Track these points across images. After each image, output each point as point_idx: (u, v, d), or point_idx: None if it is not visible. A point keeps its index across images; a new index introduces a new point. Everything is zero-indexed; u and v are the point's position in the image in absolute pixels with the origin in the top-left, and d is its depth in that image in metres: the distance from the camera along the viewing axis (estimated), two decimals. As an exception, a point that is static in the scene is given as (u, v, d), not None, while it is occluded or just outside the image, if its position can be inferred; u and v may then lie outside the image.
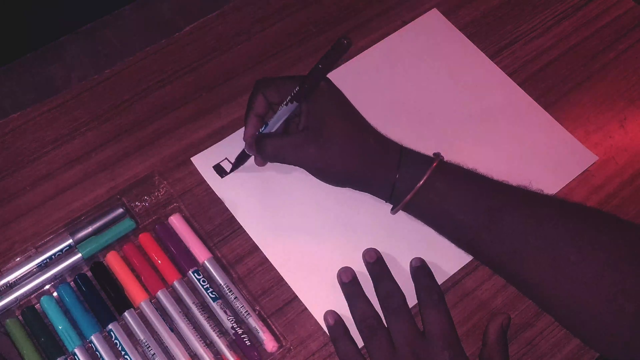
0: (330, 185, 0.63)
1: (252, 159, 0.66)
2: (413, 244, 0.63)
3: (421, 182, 0.58)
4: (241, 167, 0.66)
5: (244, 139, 0.64)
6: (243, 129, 0.68)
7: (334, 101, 0.60)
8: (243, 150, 0.65)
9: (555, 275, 0.55)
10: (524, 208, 0.58)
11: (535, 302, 0.60)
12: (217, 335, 0.57)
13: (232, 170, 0.66)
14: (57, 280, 0.59)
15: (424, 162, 0.59)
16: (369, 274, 0.61)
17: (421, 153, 0.60)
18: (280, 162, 0.63)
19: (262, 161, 0.66)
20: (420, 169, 0.58)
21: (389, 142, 0.61)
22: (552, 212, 0.58)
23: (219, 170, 0.66)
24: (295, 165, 0.63)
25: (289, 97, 0.59)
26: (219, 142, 0.68)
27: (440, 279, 0.61)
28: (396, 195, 0.60)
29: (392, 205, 0.62)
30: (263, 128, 0.63)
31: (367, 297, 0.59)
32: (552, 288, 0.56)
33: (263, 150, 0.62)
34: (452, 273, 0.62)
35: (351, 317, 0.59)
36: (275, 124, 0.62)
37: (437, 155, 0.60)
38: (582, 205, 0.62)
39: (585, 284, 0.54)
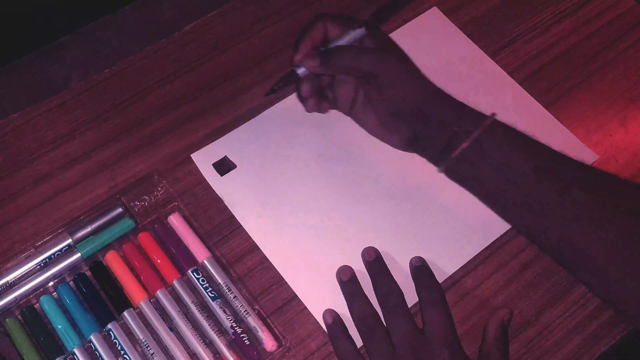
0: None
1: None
2: (413, 243, 0.63)
3: (480, 130, 0.57)
4: (240, 166, 0.66)
5: (297, 61, 0.61)
6: (243, 126, 0.68)
7: (398, 51, 0.62)
8: (292, 71, 0.61)
9: (603, 238, 0.54)
10: (577, 166, 0.57)
11: (570, 268, 0.59)
12: (217, 335, 0.57)
13: (267, 94, 0.64)
14: (57, 280, 0.59)
15: (481, 116, 0.59)
16: (368, 273, 0.61)
17: (477, 110, 0.60)
18: (353, 72, 0.61)
19: (316, 104, 0.64)
20: (478, 121, 0.58)
21: (447, 95, 0.61)
22: (608, 178, 0.58)
23: (219, 167, 0.66)
24: (368, 77, 0.60)
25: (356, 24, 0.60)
26: (220, 139, 0.68)
27: (440, 279, 0.61)
28: (453, 143, 0.59)
29: (438, 165, 0.61)
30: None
31: (366, 296, 0.59)
32: (598, 252, 0.54)
33: (338, 55, 0.59)
34: (452, 272, 0.62)
35: (350, 316, 0.59)
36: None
37: (493, 114, 0.59)
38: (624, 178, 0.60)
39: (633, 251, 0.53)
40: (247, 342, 0.57)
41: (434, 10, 0.77)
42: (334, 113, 0.68)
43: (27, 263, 0.59)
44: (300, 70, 0.61)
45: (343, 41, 0.60)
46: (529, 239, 0.62)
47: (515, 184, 0.57)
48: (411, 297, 0.59)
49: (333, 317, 0.58)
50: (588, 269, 0.57)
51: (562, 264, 0.61)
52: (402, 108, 0.61)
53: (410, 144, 0.63)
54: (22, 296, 0.58)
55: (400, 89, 0.60)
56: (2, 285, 0.58)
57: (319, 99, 0.65)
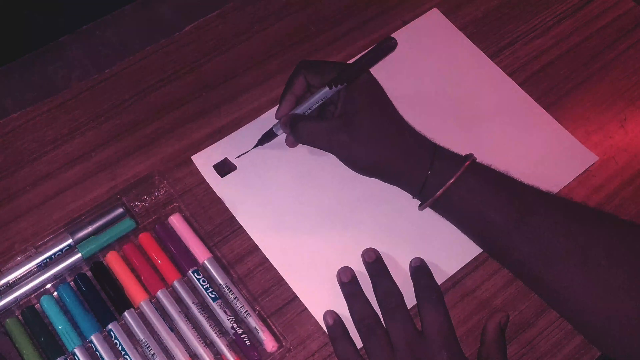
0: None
1: (277, 140, 0.67)
2: (413, 244, 0.63)
3: (453, 179, 0.58)
4: (240, 167, 0.66)
5: (278, 117, 0.65)
6: (243, 128, 0.68)
7: (371, 93, 0.62)
8: (270, 129, 0.66)
9: (584, 278, 0.55)
10: (554, 210, 0.58)
11: (559, 308, 0.59)
12: (217, 335, 0.57)
13: (255, 147, 0.67)
14: (57, 280, 0.59)
15: (456, 160, 0.60)
16: (368, 274, 0.61)
17: (454, 152, 0.61)
18: (312, 146, 0.64)
19: (293, 142, 0.67)
20: (452, 167, 0.59)
21: (423, 139, 0.62)
22: (583, 216, 0.58)
23: (220, 168, 0.66)
24: (326, 150, 0.63)
25: (331, 80, 0.60)
26: (220, 141, 0.68)
27: (440, 279, 0.61)
28: (426, 191, 0.60)
29: (420, 202, 0.62)
30: (296, 108, 0.64)
31: (366, 297, 0.59)
32: (579, 291, 0.55)
33: (298, 132, 0.63)
34: (452, 273, 0.62)
35: (350, 317, 0.59)
36: (310, 106, 0.63)
37: (469, 155, 0.60)
38: (613, 215, 0.61)
39: (615, 289, 0.54)
40: (248, 343, 0.57)
41: (434, 12, 0.77)
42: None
43: (28, 263, 0.59)
44: (279, 131, 0.66)
45: (317, 96, 0.62)
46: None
47: (491, 226, 0.59)
48: (411, 298, 0.59)
49: (333, 318, 0.59)
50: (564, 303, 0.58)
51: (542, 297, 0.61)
52: (360, 159, 0.62)
53: (379, 177, 0.64)
54: (22, 296, 0.58)
55: (357, 162, 0.62)
56: (3, 285, 0.58)
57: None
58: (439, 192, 0.59)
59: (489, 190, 0.59)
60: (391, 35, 0.60)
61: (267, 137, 0.67)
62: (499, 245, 0.60)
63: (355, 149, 0.61)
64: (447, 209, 0.61)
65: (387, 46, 0.60)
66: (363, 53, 0.62)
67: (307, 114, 0.64)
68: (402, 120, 0.62)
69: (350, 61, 0.64)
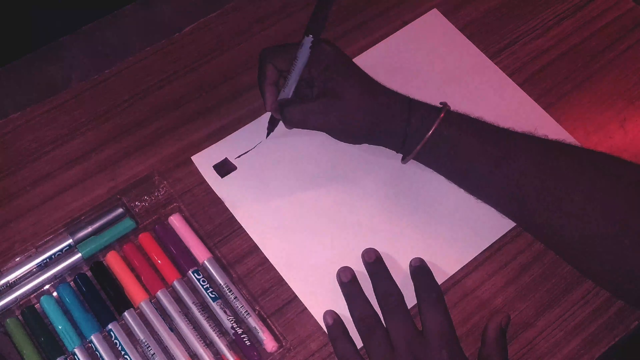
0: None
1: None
2: (413, 244, 0.63)
3: (430, 132, 0.60)
4: (240, 168, 0.66)
5: (268, 109, 0.66)
6: (243, 128, 0.68)
7: (341, 63, 0.64)
8: (272, 116, 0.67)
9: (560, 215, 0.57)
10: (529, 152, 0.60)
11: (546, 244, 0.62)
12: (217, 335, 0.57)
13: (267, 136, 0.68)
14: (57, 280, 0.59)
15: (432, 112, 0.61)
16: (368, 274, 0.61)
17: (429, 104, 0.63)
18: (303, 128, 0.65)
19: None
20: (429, 119, 0.61)
21: (398, 95, 0.64)
22: (558, 153, 0.60)
23: (220, 169, 0.66)
24: (318, 130, 0.65)
25: (304, 37, 0.62)
26: (220, 141, 0.68)
27: (440, 279, 0.61)
28: (407, 144, 0.62)
29: (402, 156, 0.64)
30: (281, 93, 0.64)
31: (366, 296, 0.59)
32: (558, 228, 0.58)
33: (288, 118, 0.64)
34: (452, 273, 0.62)
35: (350, 317, 0.59)
36: (291, 87, 0.64)
37: (444, 104, 0.62)
38: (588, 150, 0.63)
39: (589, 223, 0.56)
40: (248, 343, 0.57)
41: (434, 12, 0.77)
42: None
43: (28, 263, 0.59)
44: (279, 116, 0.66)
45: (293, 74, 0.63)
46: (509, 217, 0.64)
47: (471, 173, 0.61)
48: (411, 298, 0.59)
49: (333, 318, 0.59)
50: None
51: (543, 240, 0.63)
52: (350, 131, 0.64)
53: (367, 142, 0.66)
54: (22, 296, 0.58)
55: (348, 132, 0.65)
56: (3, 285, 0.58)
57: None
58: (418, 147, 0.61)
59: (467, 137, 0.61)
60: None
61: (272, 124, 0.67)
62: (479, 188, 0.63)
63: (345, 122, 0.63)
64: (429, 160, 0.64)
65: None
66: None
67: (293, 91, 0.64)
68: (374, 81, 0.64)
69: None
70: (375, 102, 0.62)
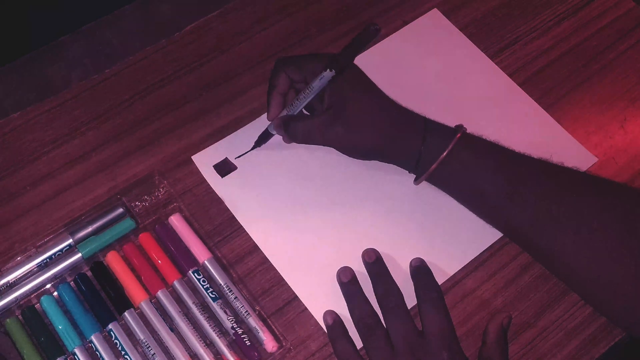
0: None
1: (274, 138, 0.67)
2: (413, 244, 0.63)
3: (445, 153, 0.59)
4: (240, 167, 0.66)
5: (270, 119, 0.65)
6: (243, 128, 0.68)
7: (355, 79, 0.62)
8: (266, 130, 0.66)
9: (576, 243, 0.56)
10: (545, 178, 0.59)
11: (556, 274, 0.61)
12: (217, 335, 0.57)
13: (252, 149, 0.67)
14: (57, 280, 0.59)
15: (448, 133, 0.60)
16: (368, 274, 0.61)
17: (445, 124, 0.62)
18: (308, 143, 0.64)
19: (290, 140, 0.67)
20: (444, 140, 0.60)
21: (413, 115, 0.62)
22: (573, 182, 0.59)
23: (220, 168, 0.66)
24: (323, 145, 0.64)
25: (321, 74, 0.61)
26: (220, 141, 0.68)
27: (440, 279, 0.61)
28: (421, 165, 0.61)
29: (415, 176, 0.63)
30: (287, 109, 0.64)
31: (365, 296, 0.59)
32: (572, 257, 0.57)
33: (292, 133, 0.63)
34: (452, 273, 0.62)
35: (350, 317, 0.59)
36: (297, 108, 0.63)
37: (459, 126, 0.61)
38: (603, 178, 0.62)
39: (607, 253, 0.55)
40: (248, 343, 0.57)
41: (434, 12, 0.77)
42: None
43: (28, 263, 0.59)
44: (274, 131, 0.66)
45: (306, 93, 0.62)
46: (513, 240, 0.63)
47: (485, 197, 0.60)
48: (411, 298, 0.59)
49: (333, 318, 0.59)
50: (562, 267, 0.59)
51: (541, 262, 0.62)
52: (359, 147, 0.63)
53: (377, 159, 0.65)
54: (22, 296, 0.58)
55: (355, 149, 0.63)
56: (3, 285, 0.58)
57: None
58: (432, 167, 0.60)
59: (481, 162, 0.60)
60: (373, 23, 0.61)
61: (264, 137, 0.67)
62: (492, 215, 0.62)
63: (351, 138, 0.62)
64: (442, 181, 0.63)
65: (373, 30, 0.60)
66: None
67: (301, 109, 0.64)
68: (389, 99, 0.63)
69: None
70: (388, 120, 0.61)
